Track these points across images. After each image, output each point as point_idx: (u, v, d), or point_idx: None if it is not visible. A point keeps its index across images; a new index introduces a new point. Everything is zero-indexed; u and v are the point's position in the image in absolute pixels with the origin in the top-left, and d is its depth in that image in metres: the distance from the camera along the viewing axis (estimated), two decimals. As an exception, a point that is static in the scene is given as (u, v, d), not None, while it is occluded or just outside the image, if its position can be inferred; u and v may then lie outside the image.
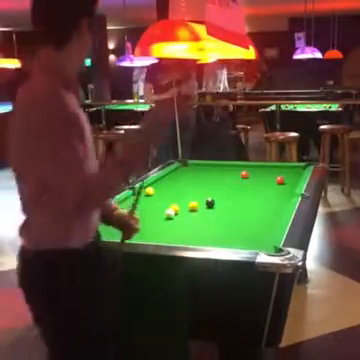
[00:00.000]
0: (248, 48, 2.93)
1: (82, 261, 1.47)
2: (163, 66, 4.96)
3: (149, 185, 2.92)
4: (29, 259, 1.48)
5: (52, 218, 1.42)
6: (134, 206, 1.71)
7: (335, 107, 7.18)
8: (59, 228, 1.43)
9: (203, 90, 9.79)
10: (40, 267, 1.45)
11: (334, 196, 5.47)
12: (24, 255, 1.51)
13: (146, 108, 7.38)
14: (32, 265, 1.48)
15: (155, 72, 5.22)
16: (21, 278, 1.56)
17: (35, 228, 1.46)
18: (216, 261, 1.80)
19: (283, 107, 6.98)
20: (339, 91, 8.83)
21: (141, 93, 7.63)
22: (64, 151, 1.33)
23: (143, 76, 7.08)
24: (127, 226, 1.70)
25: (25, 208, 1.49)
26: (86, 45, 1.46)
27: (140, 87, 9.81)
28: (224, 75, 10.77)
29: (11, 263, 4.39)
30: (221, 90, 10.38)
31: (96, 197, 1.40)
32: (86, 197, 1.34)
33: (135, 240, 2.03)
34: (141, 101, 8.08)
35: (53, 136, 1.32)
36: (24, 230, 1.51)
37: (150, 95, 5.49)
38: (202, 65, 8.18)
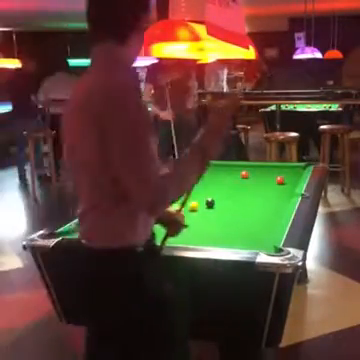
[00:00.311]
0: (248, 48, 2.93)
1: (145, 259, 1.46)
2: (163, 66, 4.96)
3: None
4: (97, 259, 1.43)
5: (122, 216, 1.39)
6: (184, 203, 1.69)
7: (335, 107, 7.18)
8: (127, 226, 1.41)
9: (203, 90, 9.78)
10: (111, 266, 1.42)
11: (334, 196, 5.47)
12: (89, 255, 1.46)
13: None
14: (102, 265, 1.43)
15: (155, 72, 5.21)
16: (89, 278, 1.48)
17: (102, 227, 1.42)
18: (216, 261, 1.80)
19: (283, 107, 6.98)
20: (339, 91, 8.81)
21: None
22: (143, 150, 1.30)
23: (143, 76, 7.06)
24: (174, 223, 1.69)
25: (89, 207, 1.43)
26: (143, 40, 1.47)
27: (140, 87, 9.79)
28: (225, 75, 10.77)
29: (11, 263, 4.42)
30: (225, 90, 10.37)
31: (174, 194, 1.38)
32: (164, 195, 1.33)
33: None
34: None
35: (132, 134, 1.29)
36: (89, 230, 1.45)
37: (149, 97, 5.50)
38: (203, 65, 8.18)
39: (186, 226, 1.70)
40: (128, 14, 1.39)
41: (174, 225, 1.68)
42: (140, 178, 1.31)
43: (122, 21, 1.39)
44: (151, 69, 5.44)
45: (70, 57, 9.66)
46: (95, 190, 1.40)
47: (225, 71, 10.75)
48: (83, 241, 1.47)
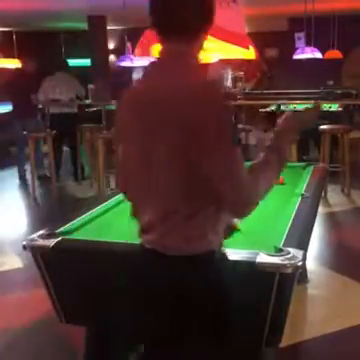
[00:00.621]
0: (248, 48, 2.93)
1: (223, 262, 1.46)
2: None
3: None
4: (181, 266, 1.37)
5: (205, 220, 1.35)
6: None
7: (335, 107, 7.19)
8: (209, 230, 1.37)
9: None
10: (196, 272, 1.37)
11: (334, 196, 5.47)
12: (171, 262, 1.38)
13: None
14: (187, 271, 1.37)
15: None
16: (170, 286, 1.40)
17: (185, 232, 1.35)
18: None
19: (283, 107, 6.98)
20: (339, 91, 8.81)
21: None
22: (237, 152, 1.29)
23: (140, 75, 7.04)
24: (227, 226, 1.63)
25: (168, 212, 1.36)
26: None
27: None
28: (229, 75, 10.77)
29: (11, 263, 4.42)
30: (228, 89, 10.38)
31: (261, 197, 1.36)
32: (255, 198, 1.32)
33: (134, 240, 2.03)
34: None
35: (227, 137, 1.27)
36: (168, 236, 1.37)
37: None
38: (207, 65, 8.19)
39: (239, 229, 1.67)
40: (198, 16, 1.37)
41: (227, 228, 1.62)
42: (234, 181, 1.28)
43: (193, 22, 1.37)
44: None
45: (69, 57, 9.65)
46: (177, 194, 1.33)
47: (229, 71, 10.76)
48: (157, 248, 1.38)
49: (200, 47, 1.44)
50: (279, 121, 1.50)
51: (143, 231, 1.44)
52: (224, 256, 1.47)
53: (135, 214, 1.49)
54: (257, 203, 1.35)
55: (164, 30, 1.40)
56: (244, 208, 1.34)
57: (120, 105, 1.50)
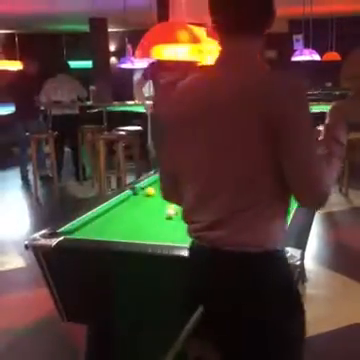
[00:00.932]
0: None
1: (287, 259, 1.47)
2: (164, 66, 4.98)
3: (149, 185, 2.97)
4: (253, 265, 1.34)
5: (275, 217, 1.34)
6: None
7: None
8: (278, 227, 1.36)
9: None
10: (268, 270, 1.36)
11: (332, 196, 5.47)
12: (242, 261, 1.34)
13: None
14: (259, 270, 1.35)
15: (157, 70, 5.22)
16: (243, 286, 1.36)
17: (257, 230, 1.32)
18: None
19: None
20: (337, 92, 8.83)
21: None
22: (315, 148, 1.30)
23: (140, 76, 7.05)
24: None
25: (236, 211, 1.32)
26: None
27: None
28: None
29: (14, 262, 4.43)
30: None
31: (333, 185, 1.38)
32: (329, 192, 1.33)
33: (135, 240, 2.05)
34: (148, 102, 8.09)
35: (309, 134, 1.27)
36: (237, 234, 1.33)
37: (142, 93, 5.57)
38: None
39: None
40: (263, 11, 1.36)
41: None
42: (314, 174, 1.29)
43: (258, 19, 1.36)
44: (152, 67, 5.44)
45: (71, 59, 9.68)
46: (249, 191, 1.31)
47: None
48: (225, 246, 1.33)
49: (262, 42, 1.41)
50: (327, 115, 1.49)
51: (204, 230, 1.39)
52: (286, 253, 1.47)
53: (187, 217, 1.46)
54: (329, 194, 1.35)
55: (229, 28, 1.36)
56: (322, 200, 1.34)
57: (175, 109, 1.44)
